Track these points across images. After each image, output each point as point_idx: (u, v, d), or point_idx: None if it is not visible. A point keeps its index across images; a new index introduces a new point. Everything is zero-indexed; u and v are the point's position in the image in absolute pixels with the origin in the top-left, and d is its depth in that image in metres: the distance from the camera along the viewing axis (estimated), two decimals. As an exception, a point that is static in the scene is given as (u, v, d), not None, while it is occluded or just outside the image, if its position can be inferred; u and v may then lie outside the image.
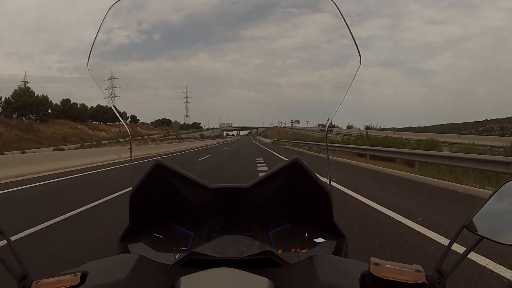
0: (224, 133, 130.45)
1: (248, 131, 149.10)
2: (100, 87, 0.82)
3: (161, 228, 0.81)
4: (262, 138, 70.27)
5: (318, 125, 44.46)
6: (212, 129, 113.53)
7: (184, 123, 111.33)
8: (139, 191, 0.78)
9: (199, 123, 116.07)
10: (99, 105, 61.38)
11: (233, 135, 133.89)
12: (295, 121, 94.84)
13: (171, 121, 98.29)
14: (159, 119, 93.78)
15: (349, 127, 46.02)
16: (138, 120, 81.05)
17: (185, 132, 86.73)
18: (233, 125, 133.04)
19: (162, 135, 68.76)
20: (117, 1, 0.76)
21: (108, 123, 63.88)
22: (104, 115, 61.37)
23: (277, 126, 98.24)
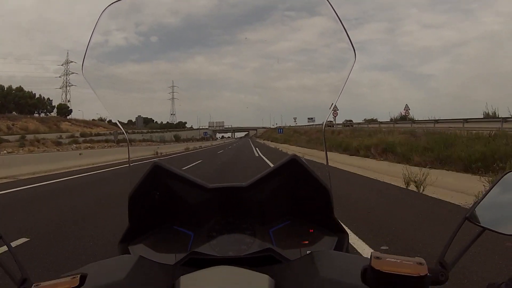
0: (219, 135, 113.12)
1: (245, 132, 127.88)
2: (94, 89, 0.82)
3: (161, 229, 0.81)
4: (269, 143, 43.31)
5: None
6: (197, 129, 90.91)
7: (167, 122, 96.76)
8: (138, 192, 0.78)
9: (185, 122, 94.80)
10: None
11: (229, 137, 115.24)
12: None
13: (153, 121, 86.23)
14: (139, 117, 74.19)
15: (371, 120, 33.23)
16: (68, 113, 68.36)
17: (145, 131, 64.60)
18: (227, 125, 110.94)
19: (106, 133, 51.92)
20: (112, 3, 0.76)
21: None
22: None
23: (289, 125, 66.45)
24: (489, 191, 0.60)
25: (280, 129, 57.23)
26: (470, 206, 0.59)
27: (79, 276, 0.49)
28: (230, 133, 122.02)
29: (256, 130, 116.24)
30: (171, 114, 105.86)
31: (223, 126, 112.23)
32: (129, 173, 0.88)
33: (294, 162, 0.77)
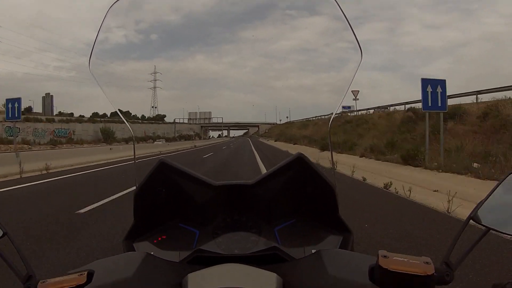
0: (210, 133, 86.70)
1: (245, 130, 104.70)
2: (101, 87, 0.82)
3: (166, 227, 0.81)
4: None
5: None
6: (172, 123, 69.90)
7: (148, 116, 75.38)
8: (144, 190, 0.78)
9: (164, 116, 76.35)
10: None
11: (225, 136, 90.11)
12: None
13: (130, 114, 60.72)
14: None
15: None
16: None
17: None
18: (218, 118, 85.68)
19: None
20: (116, 1, 0.76)
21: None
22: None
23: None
24: (493, 191, 0.60)
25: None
26: (474, 206, 0.59)
27: (86, 273, 0.50)
28: (226, 131, 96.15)
29: (257, 126, 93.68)
30: (152, 107, 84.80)
31: (210, 118, 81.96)
32: (134, 170, 0.89)
33: (300, 160, 0.77)
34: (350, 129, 24.94)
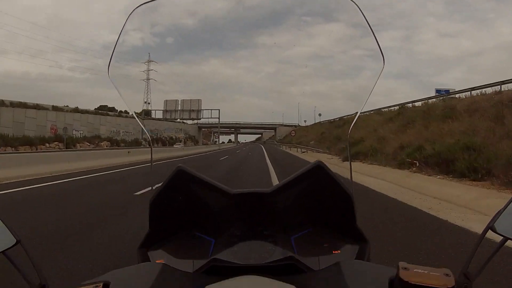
0: (213, 138, 66.84)
1: (258, 135, 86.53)
2: (117, 88, 0.82)
3: (181, 235, 0.81)
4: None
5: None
6: (126, 116, 46.75)
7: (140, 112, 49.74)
8: (160, 197, 0.78)
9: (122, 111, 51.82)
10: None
11: (229, 142, 73.11)
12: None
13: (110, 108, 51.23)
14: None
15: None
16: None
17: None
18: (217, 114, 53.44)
19: None
20: (137, 7, 0.77)
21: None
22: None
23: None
24: (511, 201, 0.58)
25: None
26: (493, 215, 0.57)
27: (101, 284, 0.49)
28: (237, 135, 75.62)
29: (274, 129, 71.60)
30: (145, 103, 65.75)
31: (199, 111, 48.89)
32: (151, 175, 0.89)
33: (319, 169, 0.75)
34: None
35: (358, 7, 0.70)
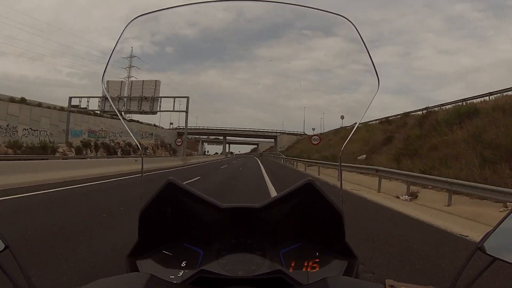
0: (205, 147, 59.30)
1: (253, 146, 77.06)
2: (112, 102, 0.81)
3: (170, 245, 0.80)
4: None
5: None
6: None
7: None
8: (150, 208, 0.78)
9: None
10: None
11: (231, 153, 65.76)
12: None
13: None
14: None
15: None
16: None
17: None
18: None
19: None
20: (137, 17, 0.77)
21: None
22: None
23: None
24: (502, 221, 0.60)
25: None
26: (482, 236, 0.59)
27: None
28: (231, 146, 65.17)
29: (274, 138, 59.16)
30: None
31: (154, 98, 28.32)
32: (141, 185, 0.88)
33: (309, 187, 0.76)
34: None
35: (354, 26, 0.72)
